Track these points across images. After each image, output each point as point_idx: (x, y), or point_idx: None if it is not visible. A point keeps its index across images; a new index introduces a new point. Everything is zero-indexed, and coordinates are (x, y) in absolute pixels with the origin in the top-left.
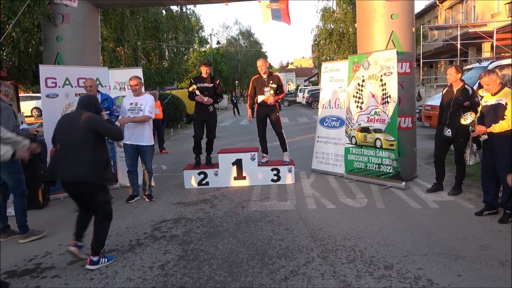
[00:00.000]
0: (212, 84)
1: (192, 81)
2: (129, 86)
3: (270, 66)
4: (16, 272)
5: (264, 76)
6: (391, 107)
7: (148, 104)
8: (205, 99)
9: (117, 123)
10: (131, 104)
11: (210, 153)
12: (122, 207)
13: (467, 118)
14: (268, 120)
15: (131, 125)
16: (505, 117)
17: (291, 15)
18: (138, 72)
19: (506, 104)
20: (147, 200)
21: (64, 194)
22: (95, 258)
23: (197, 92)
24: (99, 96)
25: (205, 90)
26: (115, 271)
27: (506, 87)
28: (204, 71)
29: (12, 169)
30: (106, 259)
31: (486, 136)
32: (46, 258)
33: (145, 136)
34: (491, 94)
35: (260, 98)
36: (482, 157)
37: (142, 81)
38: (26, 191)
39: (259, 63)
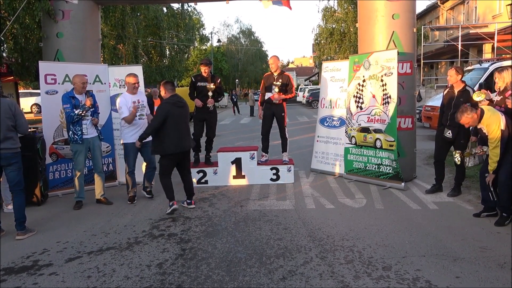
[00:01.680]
0: (212, 83)
1: (193, 80)
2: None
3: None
4: (13, 269)
5: (275, 74)
6: (391, 108)
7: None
8: (210, 104)
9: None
10: (134, 102)
11: (209, 152)
12: (121, 205)
13: (458, 157)
14: (275, 119)
15: (140, 123)
16: (489, 144)
17: (292, 8)
18: (138, 69)
19: (487, 132)
20: (147, 195)
21: (62, 191)
22: (189, 200)
23: (210, 94)
24: (83, 95)
25: (206, 89)
26: (112, 269)
27: (483, 115)
28: (203, 70)
29: (20, 164)
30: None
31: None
32: (44, 255)
33: None
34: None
35: (267, 96)
36: (485, 159)
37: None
38: (24, 188)
39: (270, 60)
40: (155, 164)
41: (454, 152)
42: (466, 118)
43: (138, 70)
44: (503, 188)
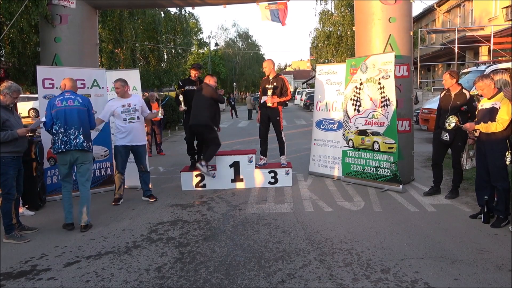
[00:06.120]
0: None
1: (181, 84)
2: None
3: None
4: (11, 274)
5: (270, 78)
6: (390, 110)
7: (144, 104)
8: (182, 108)
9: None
10: (123, 106)
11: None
12: (119, 209)
13: (451, 123)
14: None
15: (128, 127)
16: (496, 121)
17: (288, 16)
18: (135, 73)
19: (500, 107)
20: (151, 200)
21: (60, 196)
22: (203, 163)
23: (181, 98)
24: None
25: (194, 93)
26: (111, 274)
27: (502, 91)
28: (193, 74)
29: (2, 169)
30: (206, 168)
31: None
32: (42, 260)
33: (141, 136)
34: (488, 98)
35: (263, 99)
36: (476, 162)
37: (126, 84)
38: (11, 194)
39: (264, 64)
40: (147, 168)
41: (450, 117)
42: (484, 84)
43: (135, 74)
44: (502, 196)
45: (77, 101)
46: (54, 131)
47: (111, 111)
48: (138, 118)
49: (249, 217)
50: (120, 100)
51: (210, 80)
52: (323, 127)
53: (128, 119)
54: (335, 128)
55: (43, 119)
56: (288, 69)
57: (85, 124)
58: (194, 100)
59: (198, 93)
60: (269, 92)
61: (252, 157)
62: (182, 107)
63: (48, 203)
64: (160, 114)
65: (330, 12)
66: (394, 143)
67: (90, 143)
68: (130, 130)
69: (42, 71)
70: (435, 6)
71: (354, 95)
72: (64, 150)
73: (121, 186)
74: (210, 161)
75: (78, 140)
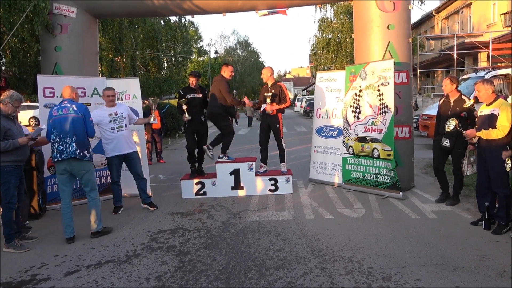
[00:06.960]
0: (201, 94)
1: (182, 93)
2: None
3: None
4: (11, 284)
5: (269, 85)
6: (388, 117)
7: (130, 112)
8: (186, 118)
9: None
10: (110, 114)
11: (201, 163)
12: (119, 217)
13: (450, 125)
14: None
15: (117, 136)
16: (497, 129)
17: (288, 14)
18: (135, 82)
19: (499, 114)
20: (151, 209)
21: (60, 204)
22: (221, 155)
23: (185, 108)
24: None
25: (196, 101)
26: (111, 283)
27: (500, 98)
28: (192, 81)
29: (1, 179)
30: (227, 158)
31: (475, 140)
32: (42, 269)
33: (131, 143)
34: (486, 104)
35: (262, 107)
36: (477, 168)
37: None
38: (13, 204)
39: (262, 72)
40: (142, 175)
41: (450, 119)
42: (483, 87)
43: (135, 82)
44: (503, 202)
45: (72, 109)
46: (51, 140)
47: (97, 120)
48: (126, 126)
49: (250, 225)
50: (106, 109)
51: (225, 71)
52: (324, 134)
53: (117, 128)
54: (335, 135)
55: (43, 126)
56: (287, 76)
57: (79, 132)
58: (210, 90)
59: (213, 83)
60: (268, 100)
61: (252, 164)
62: (186, 116)
63: (48, 212)
64: (152, 119)
65: (329, 19)
66: (391, 150)
67: (84, 151)
68: (119, 139)
69: (42, 80)
70: (433, 13)
71: (354, 102)
72: (60, 159)
73: (119, 195)
74: (227, 149)
75: (71, 148)
